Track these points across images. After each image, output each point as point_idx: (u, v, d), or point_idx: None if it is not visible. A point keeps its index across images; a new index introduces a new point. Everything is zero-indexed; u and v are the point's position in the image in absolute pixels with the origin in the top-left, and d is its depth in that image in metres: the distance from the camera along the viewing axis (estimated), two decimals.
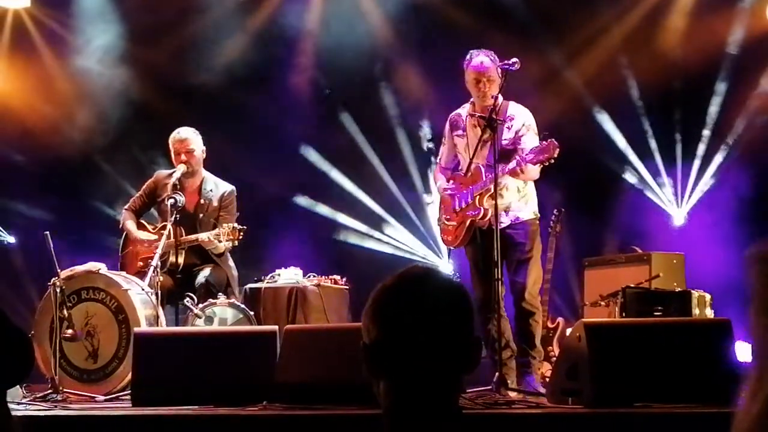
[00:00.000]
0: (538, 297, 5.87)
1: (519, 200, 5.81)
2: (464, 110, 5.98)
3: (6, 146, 8.97)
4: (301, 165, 9.04)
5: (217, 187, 6.74)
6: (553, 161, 5.48)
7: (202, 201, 6.68)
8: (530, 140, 5.75)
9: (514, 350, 5.78)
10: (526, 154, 5.57)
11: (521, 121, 5.81)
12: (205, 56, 8.93)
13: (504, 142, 5.75)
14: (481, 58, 5.79)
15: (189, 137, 6.66)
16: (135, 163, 8.85)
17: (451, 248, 6.11)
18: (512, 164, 5.58)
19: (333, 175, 9.07)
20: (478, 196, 5.74)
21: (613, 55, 8.49)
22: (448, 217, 5.94)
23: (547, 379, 5.76)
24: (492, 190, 5.60)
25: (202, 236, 6.41)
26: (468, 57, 5.84)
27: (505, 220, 5.75)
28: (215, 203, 6.69)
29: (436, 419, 1.71)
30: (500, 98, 5.78)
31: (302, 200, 9.10)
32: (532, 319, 5.76)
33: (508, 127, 5.78)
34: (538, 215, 5.92)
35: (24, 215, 8.85)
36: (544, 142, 5.53)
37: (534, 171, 5.68)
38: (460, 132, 5.98)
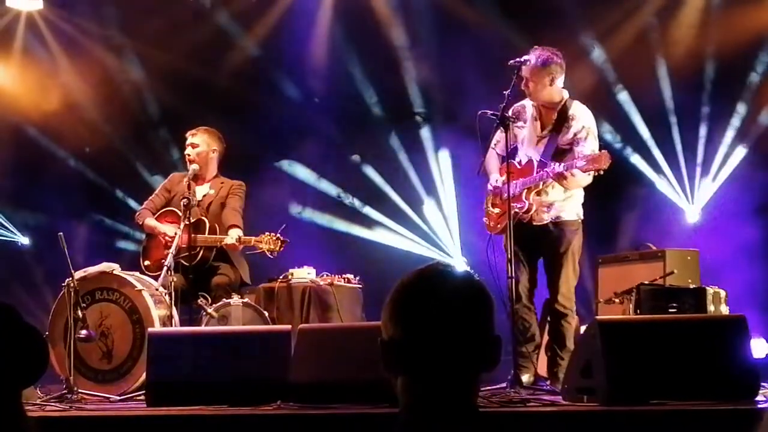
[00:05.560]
0: (572, 298, 5.77)
1: (563, 200, 5.75)
2: (528, 102, 5.89)
3: (16, 147, 9.00)
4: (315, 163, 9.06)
5: (226, 183, 6.78)
6: (602, 172, 5.45)
7: (211, 199, 6.71)
8: (590, 144, 5.70)
9: (539, 344, 5.83)
10: (578, 161, 5.53)
11: (581, 124, 5.73)
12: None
13: (561, 143, 5.71)
14: (527, 57, 5.72)
15: (198, 133, 6.72)
16: (152, 164, 8.89)
17: (491, 234, 5.97)
18: (560, 167, 5.56)
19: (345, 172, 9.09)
20: (525, 190, 5.70)
21: (635, 49, 8.41)
22: (494, 203, 5.92)
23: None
24: (540, 187, 5.66)
25: (228, 240, 6.40)
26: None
27: (546, 217, 5.73)
28: (223, 195, 6.71)
29: (454, 416, 1.70)
30: (565, 95, 5.77)
31: (315, 196, 9.12)
32: (564, 320, 5.72)
33: (567, 128, 5.72)
34: (582, 218, 5.84)
35: (36, 217, 8.88)
36: (597, 152, 5.50)
37: (583, 179, 5.63)
38: (521, 123, 5.91)
